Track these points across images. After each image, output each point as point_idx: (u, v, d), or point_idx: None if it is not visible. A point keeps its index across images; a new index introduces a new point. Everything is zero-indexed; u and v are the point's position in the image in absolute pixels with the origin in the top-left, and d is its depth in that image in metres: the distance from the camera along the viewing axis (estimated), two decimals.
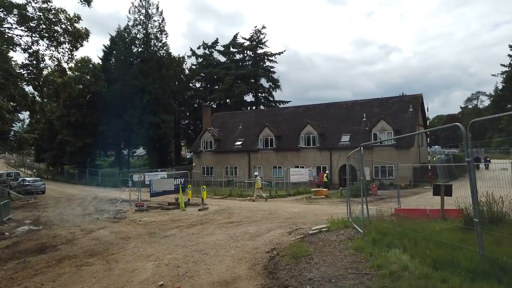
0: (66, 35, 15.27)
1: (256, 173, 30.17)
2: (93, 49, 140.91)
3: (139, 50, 50.42)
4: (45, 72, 16.25)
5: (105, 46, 55.45)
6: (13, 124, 29.03)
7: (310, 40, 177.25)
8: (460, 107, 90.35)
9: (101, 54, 56.02)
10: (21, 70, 14.88)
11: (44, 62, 16.30)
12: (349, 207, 11.68)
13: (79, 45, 15.96)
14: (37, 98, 16.45)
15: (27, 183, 31.91)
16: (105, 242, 12.39)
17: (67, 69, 16.41)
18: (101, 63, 53.90)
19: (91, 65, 51.09)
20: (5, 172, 41.41)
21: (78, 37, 15.09)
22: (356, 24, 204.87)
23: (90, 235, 14.13)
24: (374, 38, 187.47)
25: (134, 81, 46.58)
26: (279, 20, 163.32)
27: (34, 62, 15.39)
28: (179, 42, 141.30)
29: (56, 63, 16.37)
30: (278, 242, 9.78)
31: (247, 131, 42.24)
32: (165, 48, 51.38)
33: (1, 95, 12.56)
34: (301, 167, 34.84)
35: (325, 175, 32.28)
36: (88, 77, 50.69)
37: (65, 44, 16.02)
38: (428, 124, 36.78)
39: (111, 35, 54.54)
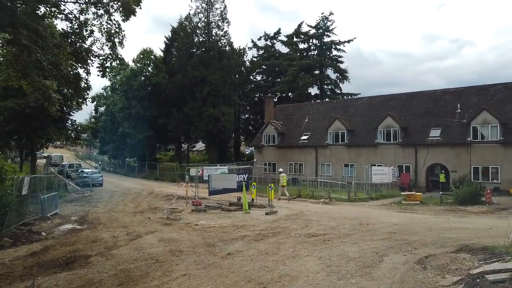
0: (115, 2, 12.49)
1: (280, 170, 26.28)
2: (155, 46, 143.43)
3: (200, 39, 48.26)
4: (88, 42, 13.56)
5: (166, 38, 54.21)
6: (71, 112, 27.80)
7: (373, 35, 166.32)
8: None
9: (162, 47, 54.91)
10: (61, 40, 12.29)
11: (93, 35, 13.70)
12: None
13: (130, 14, 13.11)
14: (83, 74, 13.93)
15: (84, 175, 30.70)
16: (149, 257, 9.20)
17: (117, 43, 13.53)
18: (162, 55, 52.77)
19: (152, 57, 50.06)
20: (67, 163, 41.37)
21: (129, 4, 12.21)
22: (425, 17, 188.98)
23: (135, 243, 11.14)
24: (445, 31, 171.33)
25: (194, 72, 44.44)
26: (341, 17, 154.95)
27: (77, 29, 12.81)
28: (242, 40, 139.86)
29: (106, 36, 13.63)
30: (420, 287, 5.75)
31: (314, 124, 38.04)
32: (226, 37, 48.76)
33: (24, 61, 9.84)
34: (378, 165, 29.93)
35: (442, 174, 27.30)
36: (150, 69, 49.79)
37: (115, 12, 13.28)
38: None
39: (172, 27, 53.14)
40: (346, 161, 33.82)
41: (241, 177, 18.01)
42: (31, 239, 12.38)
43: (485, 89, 30.09)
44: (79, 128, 27.75)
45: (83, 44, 13.12)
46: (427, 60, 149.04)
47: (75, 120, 27.53)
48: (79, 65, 13.17)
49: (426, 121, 30.67)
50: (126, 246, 10.74)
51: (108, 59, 13.36)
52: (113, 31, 13.66)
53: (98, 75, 13.53)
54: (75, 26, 13.32)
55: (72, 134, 26.60)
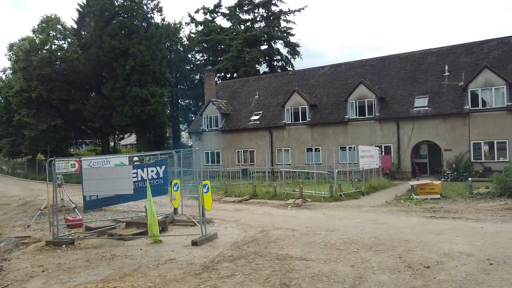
0: None
1: None
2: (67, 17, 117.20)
3: (120, 2, 38.41)
4: None
5: (80, 6, 43.26)
6: None
7: (317, 27, 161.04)
8: None
9: (75, 16, 43.89)
10: None
11: None
12: None
13: None
14: None
15: None
16: None
17: None
18: (75, 27, 41.99)
19: (59, 26, 39.23)
20: None
21: None
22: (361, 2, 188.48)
23: None
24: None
25: (113, 42, 34.73)
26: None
27: None
28: (177, 17, 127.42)
29: None
30: None
31: (266, 101, 30.41)
32: None
33: None
34: (349, 148, 23.00)
35: None
36: (57, 42, 39.10)
37: None
38: None
39: None
40: (309, 144, 26.62)
41: (146, 172, 9.66)
42: None
43: (476, 47, 24.15)
44: None
45: None
46: (370, 49, 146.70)
47: None
48: None
49: (408, 88, 24.26)
50: None
51: None
52: None
53: None
54: None
55: None
